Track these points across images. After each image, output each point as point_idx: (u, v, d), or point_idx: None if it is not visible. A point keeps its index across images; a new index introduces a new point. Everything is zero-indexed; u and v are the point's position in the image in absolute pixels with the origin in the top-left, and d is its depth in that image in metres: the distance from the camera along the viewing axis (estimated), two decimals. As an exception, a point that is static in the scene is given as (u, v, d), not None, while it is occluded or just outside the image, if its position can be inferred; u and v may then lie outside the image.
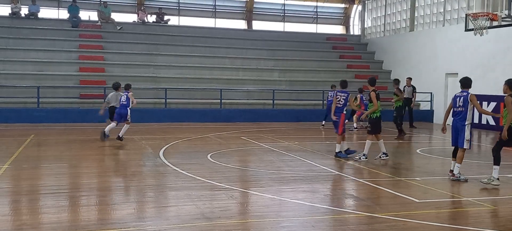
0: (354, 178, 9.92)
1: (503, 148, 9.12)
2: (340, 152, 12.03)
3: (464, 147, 9.32)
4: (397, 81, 17.01)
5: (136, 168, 10.85)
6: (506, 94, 8.99)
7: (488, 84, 20.35)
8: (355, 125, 18.76)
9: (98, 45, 25.00)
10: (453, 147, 9.58)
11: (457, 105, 9.52)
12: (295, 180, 9.57)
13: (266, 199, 7.98)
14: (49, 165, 10.81)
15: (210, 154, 12.17)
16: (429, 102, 23.92)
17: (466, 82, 9.69)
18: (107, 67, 23.63)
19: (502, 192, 8.74)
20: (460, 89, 9.64)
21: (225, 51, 26.44)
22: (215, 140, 15.51)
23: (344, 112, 11.98)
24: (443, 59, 23.15)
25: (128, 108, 14.27)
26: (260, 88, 23.95)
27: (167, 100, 21.53)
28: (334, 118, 12.10)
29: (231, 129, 18.73)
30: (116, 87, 15.14)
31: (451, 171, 9.59)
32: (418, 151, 13.74)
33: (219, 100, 22.19)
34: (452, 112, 9.64)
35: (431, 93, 23.82)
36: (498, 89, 19.88)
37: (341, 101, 11.98)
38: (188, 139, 15.38)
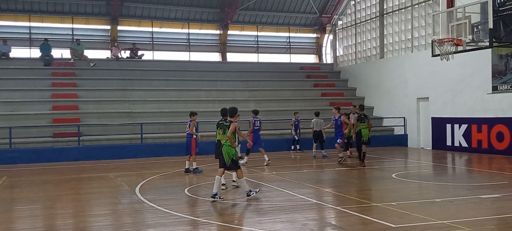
0: (332, 206, 9.98)
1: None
2: (188, 168, 15.16)
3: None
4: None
5: (111, 206, 10.70)
6: None
7: (458, 107, 20.87)
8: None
9: (71, 82, 24.81)
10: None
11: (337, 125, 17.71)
12: (273, 210, 9.57)
13: (244, 232, 7.95)
14: (22, 207, 10.58)
15: (187, 188, 12.10)
16: (403, 127, 24.34)
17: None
18: (80, 104, 23.43)
19: (476, 213, 8.92)
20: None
21: (200, 84, 26.52)
22: (193, 173, 15.40)
23: (195, 137, 15.21)
24: (414, 84, 23.69)
25: None
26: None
27: (143, 135, 21.39)
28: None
29: (208, 161, 18.62)
30: None
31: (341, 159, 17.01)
32: (393, 175, 13.91)
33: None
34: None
35: (404, 118, 24.27)
36: (467, 112, 20.54)
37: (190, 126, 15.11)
38: (165, 174, 15.26)
